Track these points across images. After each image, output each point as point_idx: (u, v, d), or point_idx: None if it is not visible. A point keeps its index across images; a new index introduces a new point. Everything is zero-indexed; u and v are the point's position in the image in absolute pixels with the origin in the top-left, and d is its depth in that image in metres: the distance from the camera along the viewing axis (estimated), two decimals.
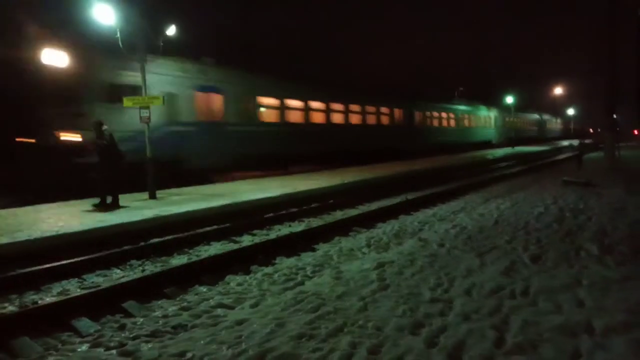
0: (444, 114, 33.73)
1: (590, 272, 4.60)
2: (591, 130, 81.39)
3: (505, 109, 43.19)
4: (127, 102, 11.45)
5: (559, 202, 9.19)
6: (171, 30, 12.05)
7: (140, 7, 11.33)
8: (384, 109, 26.11)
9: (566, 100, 66.66)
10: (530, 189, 11.96)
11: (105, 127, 9.97)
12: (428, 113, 31.38)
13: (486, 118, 41.22)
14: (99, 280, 6.26)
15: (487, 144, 40.32)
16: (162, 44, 11.90)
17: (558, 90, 57.64)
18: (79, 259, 6.68)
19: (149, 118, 11.15)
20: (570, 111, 70.44)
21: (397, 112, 27.57)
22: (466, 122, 37.49)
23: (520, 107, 46.99)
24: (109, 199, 10.00)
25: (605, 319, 3.40)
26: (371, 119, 25.05)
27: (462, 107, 37.18)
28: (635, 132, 53.36)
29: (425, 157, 26.48)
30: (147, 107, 11.07)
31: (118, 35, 10.78)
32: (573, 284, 4.26)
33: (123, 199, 10.84)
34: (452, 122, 35.25)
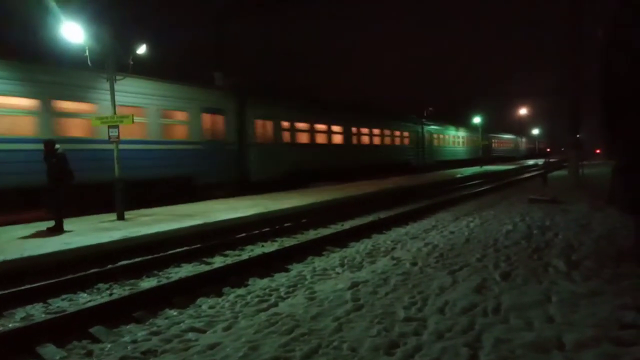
0: (320, 126, 22.90)
1: (559, 287, 4.70)
2: (548, 150, 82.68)
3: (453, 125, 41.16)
4: (95, 121, 11.25)
5: (527, 220, 9.40)
6: (142, 49, 11.97)
7: (110, 25, 11.24)
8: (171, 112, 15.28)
9: (532, 120, 68.83)
10: (498, 207, 12.21)
11: (58, 146, 9.62)
12: (286, 123, 20.38)
13: (402, 135, 32.20)
14: (65, 304, 6.04)
15: (404, 167, 30.92)
16: (131, 62, 11.79)
17: (523, 111, 59.43)
18: (43, 282, 6.45)
19: (118, 137, 10.97)
20: (535, 131, 72.59)
21: (181, 116, 15.70)
22: (365, 139, 27.52)
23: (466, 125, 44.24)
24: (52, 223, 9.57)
25: (575, 334, 3.46)
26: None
27: (352, 115, 26.63)
28: (598, 150, 55.28)
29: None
30: (116, 126, 10.90)
31: (87, 53, 10.67)
32: (543, 300, 4.34)
33: (90, 220, 10.57)
34: (338, 138, 24.68)
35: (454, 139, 42.68)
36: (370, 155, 27.77)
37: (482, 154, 42.45)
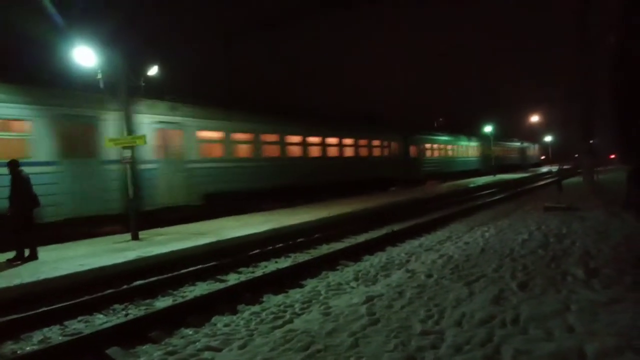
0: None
1: (578, 296, 4.62)
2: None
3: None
4: (108, 142, 11.39)
5: (543, 228, 9.28)
6: (153, 71, 12.16)
7: (121, 48, 11.45)
8: None
9: (545, 127, 68.08)
10: (513, 216, 12.08)
11: (21, 167, 8.87)
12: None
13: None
14: (81, 326, 6.07)
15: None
16: (143, 84, 11.97)
17: (534, 118, 58.98)
18: (59, 305, 6.49)
19: (130, 158, 11.08)
20: (548, 138, 71.86)
21: None
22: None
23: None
24: (27, 252, 8.85)
25: (596, 344, 3.39)
26: None
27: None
28: (612, 156, 54.21)
29: None
30: (130, 147, 11.03)
31: (99, 76, 10.86)
32: (562, 310, 4.26)
33: (104, 241, 10.64)
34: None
35: (467, 149, 41.37)
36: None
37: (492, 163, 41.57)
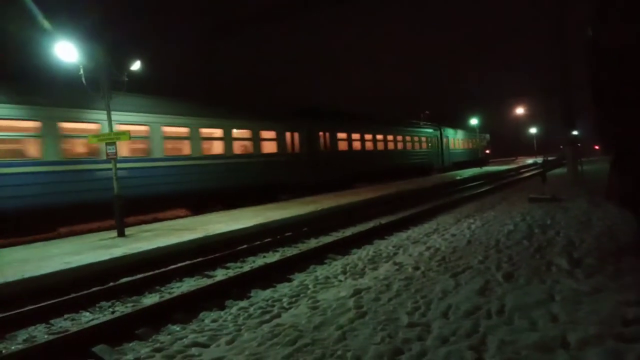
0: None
1: (561, 286, 4.68)
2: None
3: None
4: (92, 139, 11.27)
5: (527, 219, 9.38)
6: (136, 65, 12.01)
7: (104, 43, 11.29)
8: None
9: (529, 119, 68.27)
10: (499, 207, 12.19)
11: None
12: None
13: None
14: (67, 324, 6.02)
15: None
16: (126, 79, 11.82)
17: (519, 110, 59.37)
18: (45, 303, 6.42)
19: (115, 154, 10.97)
20: (533, 130, 72.30)
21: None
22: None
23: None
24: None
25: (579, 333, 3.44)
26: None
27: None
28: (596, 147, 54.51)
29: None
30: (114, 143, 10.92)
31: (81, 72, 10.71)
32: (546, 299, 4.32)
33: (90, 238, 10.54)
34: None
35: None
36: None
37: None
